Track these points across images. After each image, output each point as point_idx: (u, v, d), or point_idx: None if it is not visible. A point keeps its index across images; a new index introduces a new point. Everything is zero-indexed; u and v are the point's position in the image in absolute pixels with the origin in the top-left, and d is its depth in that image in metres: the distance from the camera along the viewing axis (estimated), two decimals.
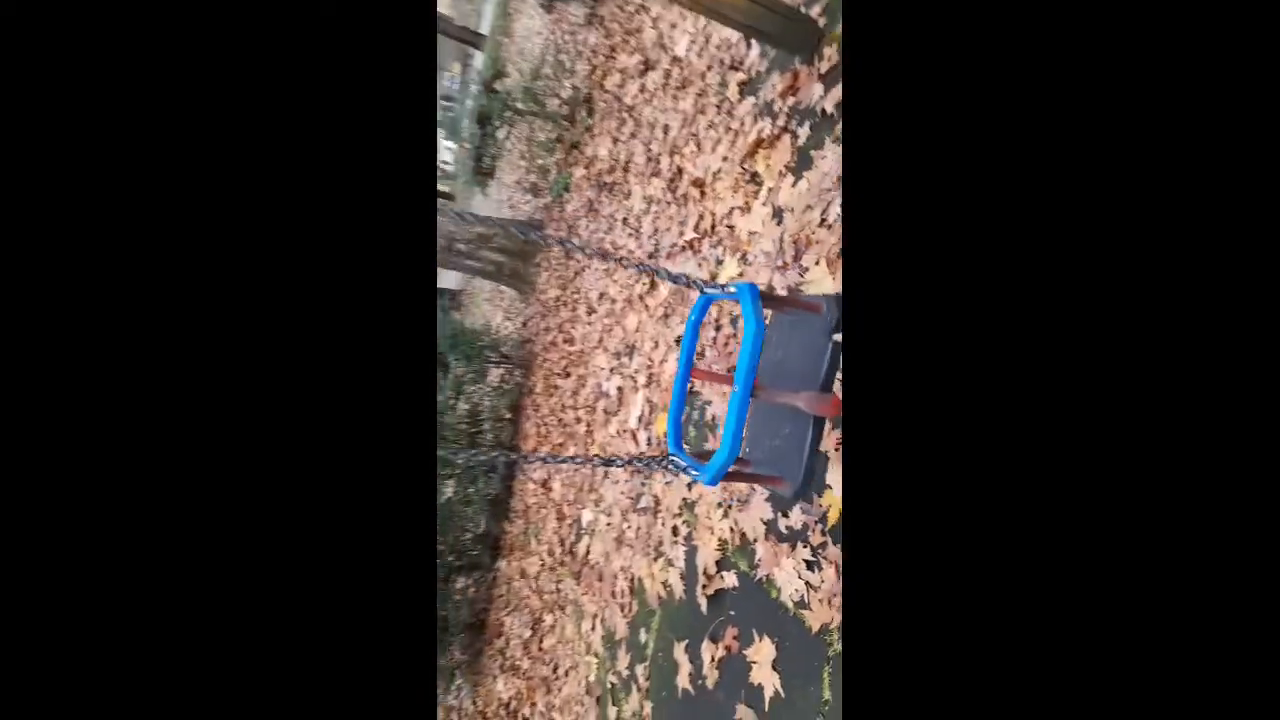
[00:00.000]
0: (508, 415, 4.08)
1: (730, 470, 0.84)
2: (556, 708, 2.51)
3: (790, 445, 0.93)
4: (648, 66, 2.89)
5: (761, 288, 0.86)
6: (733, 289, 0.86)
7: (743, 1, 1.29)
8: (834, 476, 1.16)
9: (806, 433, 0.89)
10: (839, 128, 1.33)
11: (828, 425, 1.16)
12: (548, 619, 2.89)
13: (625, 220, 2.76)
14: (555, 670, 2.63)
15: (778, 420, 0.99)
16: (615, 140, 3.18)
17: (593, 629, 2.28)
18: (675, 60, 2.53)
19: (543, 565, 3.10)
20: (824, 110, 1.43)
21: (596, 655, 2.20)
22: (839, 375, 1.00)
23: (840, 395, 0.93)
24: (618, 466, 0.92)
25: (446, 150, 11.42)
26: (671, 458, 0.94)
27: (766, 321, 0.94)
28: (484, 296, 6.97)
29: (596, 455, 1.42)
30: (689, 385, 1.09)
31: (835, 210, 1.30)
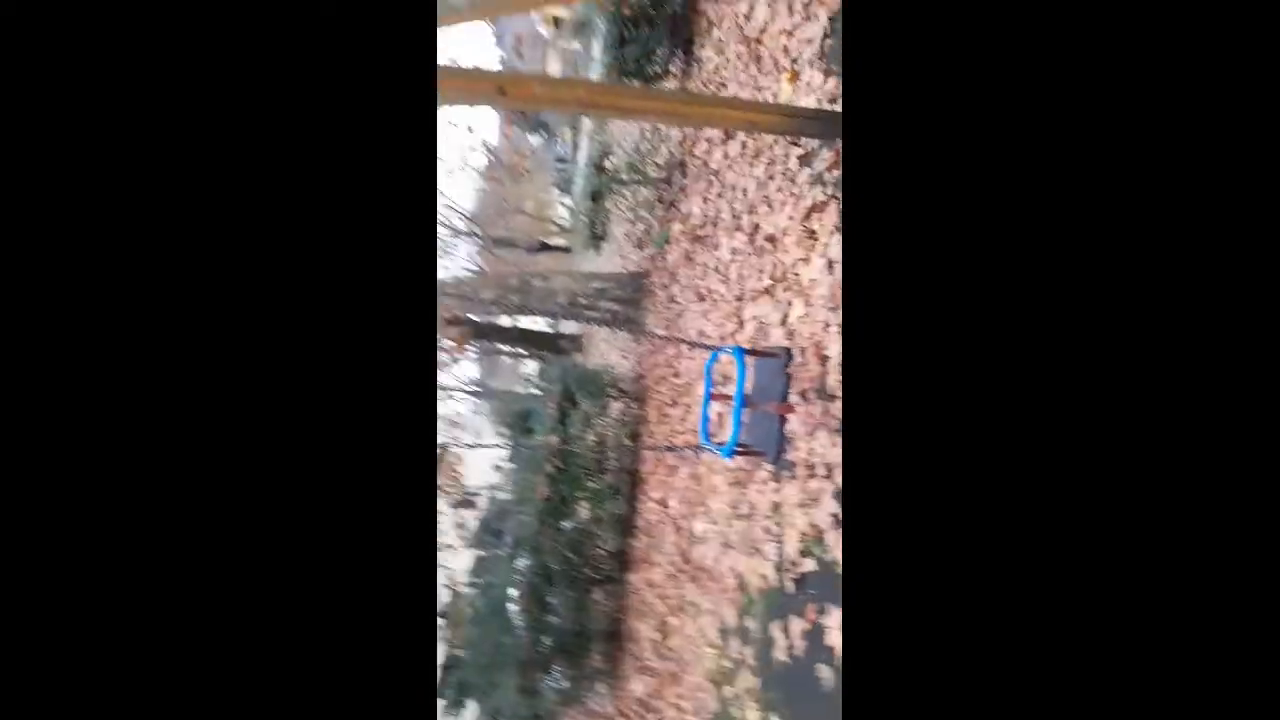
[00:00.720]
0: (628, 442, 4.63)
1: (737, 450, 1.48)
2: (684, 697, 2.86)
3: (769, 434, 1.64)
4: (728, 136, 3.36)
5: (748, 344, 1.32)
6: (729, 350, 1.43)
7: (773, 117, 1.70)
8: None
9: (774, 425, 1.62)
10: None
11: (787, 421, 1.84)
12: (673, 620, 3.27)
13: (715, 268, 3.20)
14: (681, 664, 2.99)
15: (762, 420, 1.71)
16: (705, 199, 3.67)
17: (709, 621, 2.63)
18: (750, 132, 2.96)
19: (666, 573, 3.50)
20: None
21: (713, 645, 2.54)
22: (791, 391, 1.73)
23: (790, 404, 1.66)
24: (672, 450, 1.65)
25: (563, 207, 13.13)
26: (704, 446, 1.69)
27: (752, 365, 1.71)
28: (601, 338, 7.78)
29: (665, 444, 2.39)
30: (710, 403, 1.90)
31: None
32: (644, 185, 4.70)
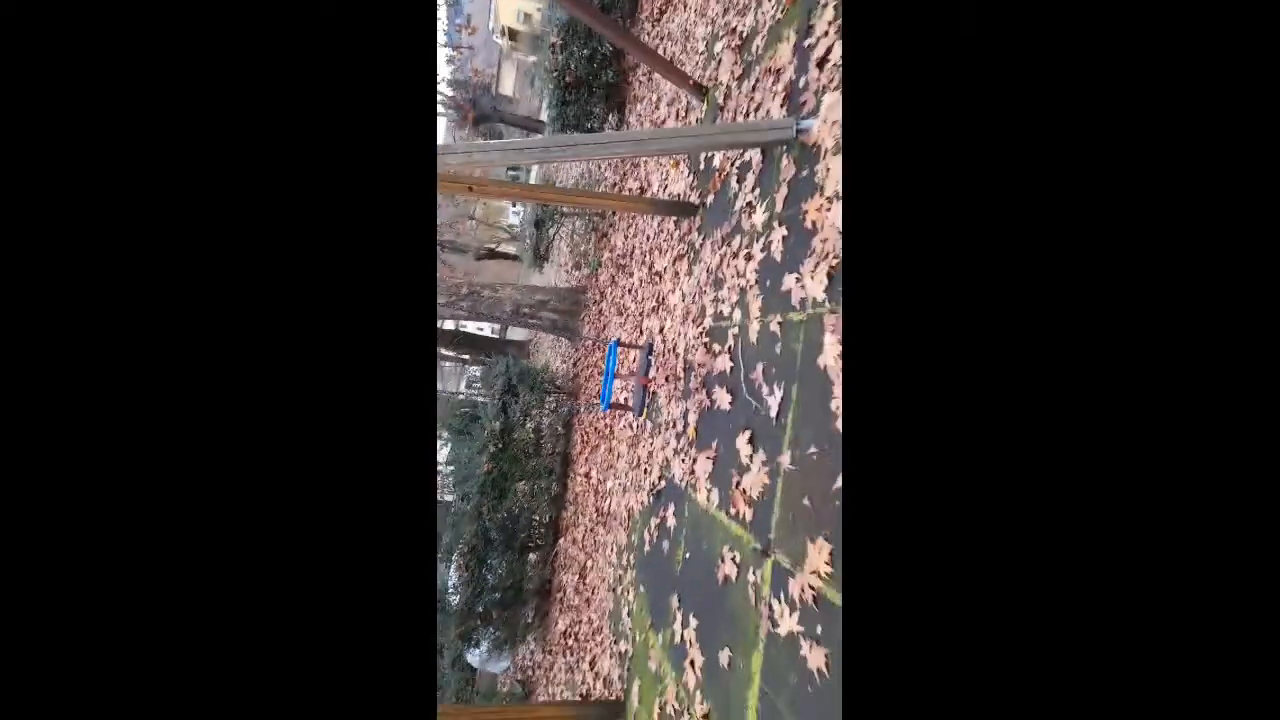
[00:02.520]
0: (561, 430, 5.52)
1: (612, 405, 2.49)
2: (593, 608, 3.79)
3: (637, 396, 2.68)
4: (644, 190, 4.41)
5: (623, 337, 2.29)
6: (610, 340, 2.41)
7: (645, 204, 2.72)
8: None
9: (641, 392, 2.68)
10: (707, 248, 2.69)
11: (648, 388, 2.85)
12: (588, 562, 4.20)
13: (629, 290, 4.21)
14: (593, 593, 3.93)
15: (634, 387, 2.83)
16: (625, 237, 4.69)
17: (610, 550, 3.59)
18: (661, 188, 4.02)
19: (585, 529, 4.43)
20: (697, 245, 2.80)
21: (610, 564, 3.49)
22: (651, 368, 2.71)
23: (649, 377, 2.64)
24: (583, 411, 2.66)
25: (513, 215, 13.91)
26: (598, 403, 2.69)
27: (625, 352, 2.76)
28: (546, 344, 8.65)
29: (576, 402, 3.46)
30: (614, 380, 2.73)
31: (709, 295, 2.65)
32: (580, 218, 5.68)
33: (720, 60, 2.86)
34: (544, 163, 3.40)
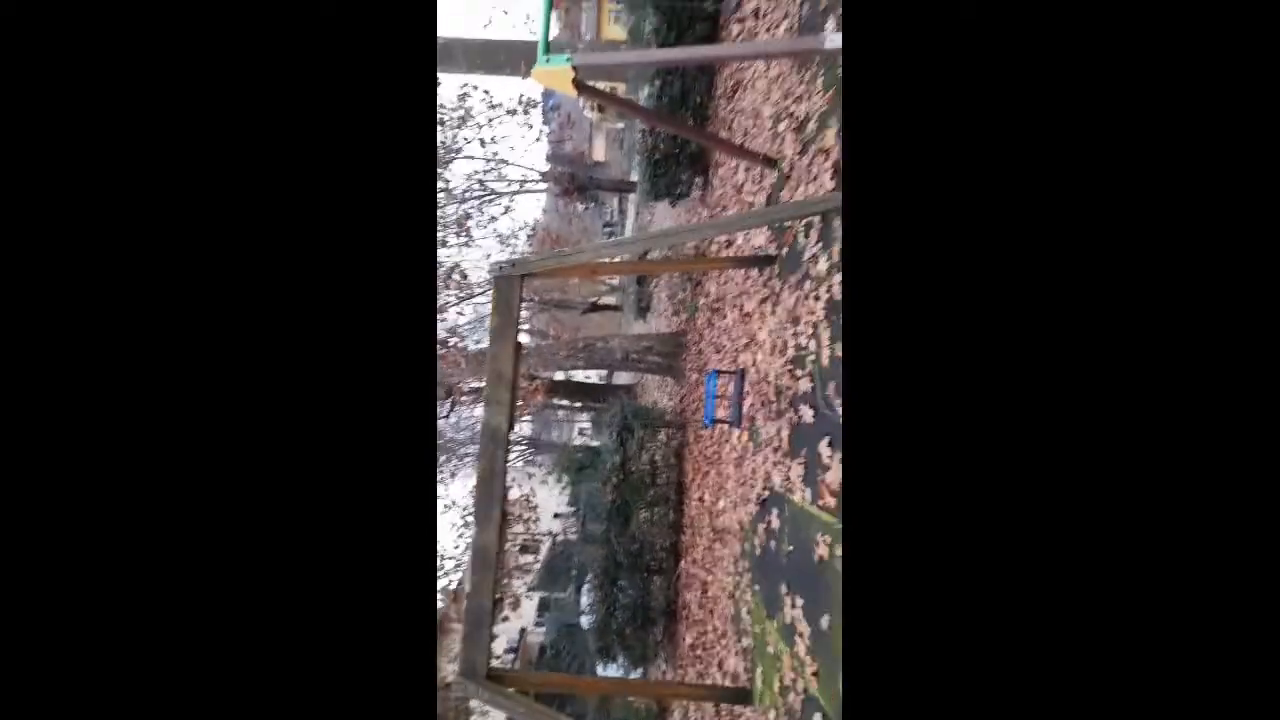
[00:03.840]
0: (673, 460, 6.11)
1: (715, 421, 3.10)
2: (715, 615, 4.22)
3: (733, 412, 3.23)
4: (730, 243, 5.04)
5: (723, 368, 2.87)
6: (710, 372, 2.97)
7: (724, 261, 3.34)
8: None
9: (737, 409, 3.28)
10: (785, 291, 3.21)
11: (744, 406, 3.34)
12: (708, 579, 4.65)
13: (723, 330, 4.79)
14: (715, 604, 4.36)
15: (732, 407, 3.38)
16: (717, 284, 5.33)
17: (727, 561, 4.04)
18: (746, 242, 4.63)
19: (703, 549, 4.91)
20: (777, 289, 3.33)
21: (728, 572, 3.94)
22: (744, 388, 3.23)
23: (741, 396, 3.16)
24: (692, 441, 3.27)
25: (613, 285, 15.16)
26: (706, 424, 3.34)
27: (723, 380, 3.33)
28: (653, 386, 9.42)
29: (681, 418, 4.08)
30: (714, 401, 3.37)
31: (790, 330, 3.16)
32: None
33: (784, 138, 3.46)
34: (647, 249, 4.09)
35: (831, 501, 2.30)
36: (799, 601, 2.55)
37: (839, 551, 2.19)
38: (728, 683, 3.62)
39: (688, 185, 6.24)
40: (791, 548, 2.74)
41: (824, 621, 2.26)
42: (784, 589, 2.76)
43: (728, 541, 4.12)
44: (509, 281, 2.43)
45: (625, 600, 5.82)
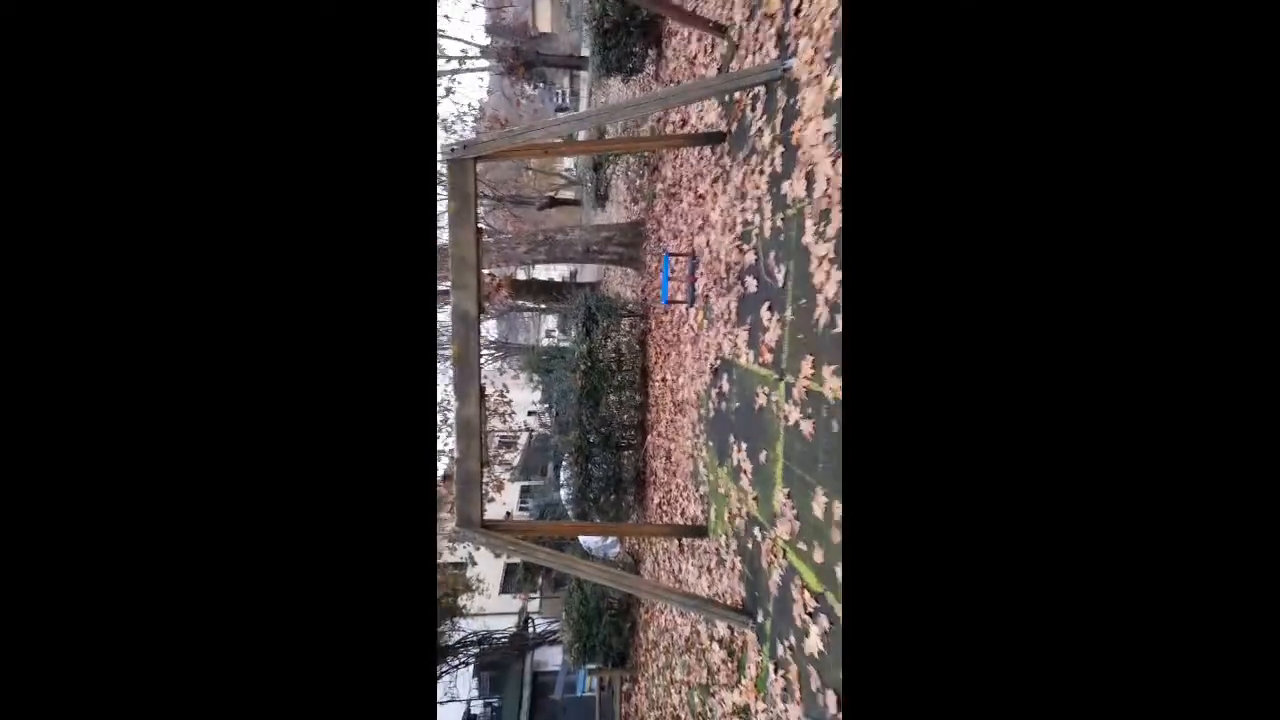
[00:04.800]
0: (637, 347, 6.45)
1: (670, 302, 3.33)
2: (677, 476, 4.78)
3: (686, 291, 3.50)
4: (685, 122, 4.95)
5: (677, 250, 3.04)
6: (664, 254, 3.13)
7: (680, 138, 3.36)
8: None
9: (690, 288, 3.49)
10: (734, 168, 3.31)
11: (697, 285, 3.49)
12: (672, 446, 5.17)
13: (680, 215, 4.88)
14: (678, 467, 4.91)
15: (685, 286, 3.59)
16: (673, 168, 5.29)
17: (687, 429, 4.50)
18: (699, 119, 4.57)
19: (666, 423, 5.39)
20: (728, 166, 3.41)
21: (688, 437, 4.41)
22: (697, 269, 3.41)
23: (693, 276, 3.42)
24: (653, 323, 3.47)
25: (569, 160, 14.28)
26: (662, 303, 3.54)
27: (677, 260, 3.53)
28: (616, 280, 9.52)
29: (641, 302, 4.30)
30: (669, 282, 3.51)
31: (738, 207, 3.30)
32: (633, 155, 6.29)
33: (733, 2, 3.34)
34: (596, 125, 3.94)
35: (769, 358, 2.62)
36: (743, 446, 2.98)
37: (775, 398, 2.55)
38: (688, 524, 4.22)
39: (640, 59, 5.92)
40: (737, 404, 3.12)
41: (762, 456, 2.69)
42: (731, 438, 3.18)
43: (687, 411, 4.56)
44: (462, 165, 2.45)
45: (599, 474, 6.43)
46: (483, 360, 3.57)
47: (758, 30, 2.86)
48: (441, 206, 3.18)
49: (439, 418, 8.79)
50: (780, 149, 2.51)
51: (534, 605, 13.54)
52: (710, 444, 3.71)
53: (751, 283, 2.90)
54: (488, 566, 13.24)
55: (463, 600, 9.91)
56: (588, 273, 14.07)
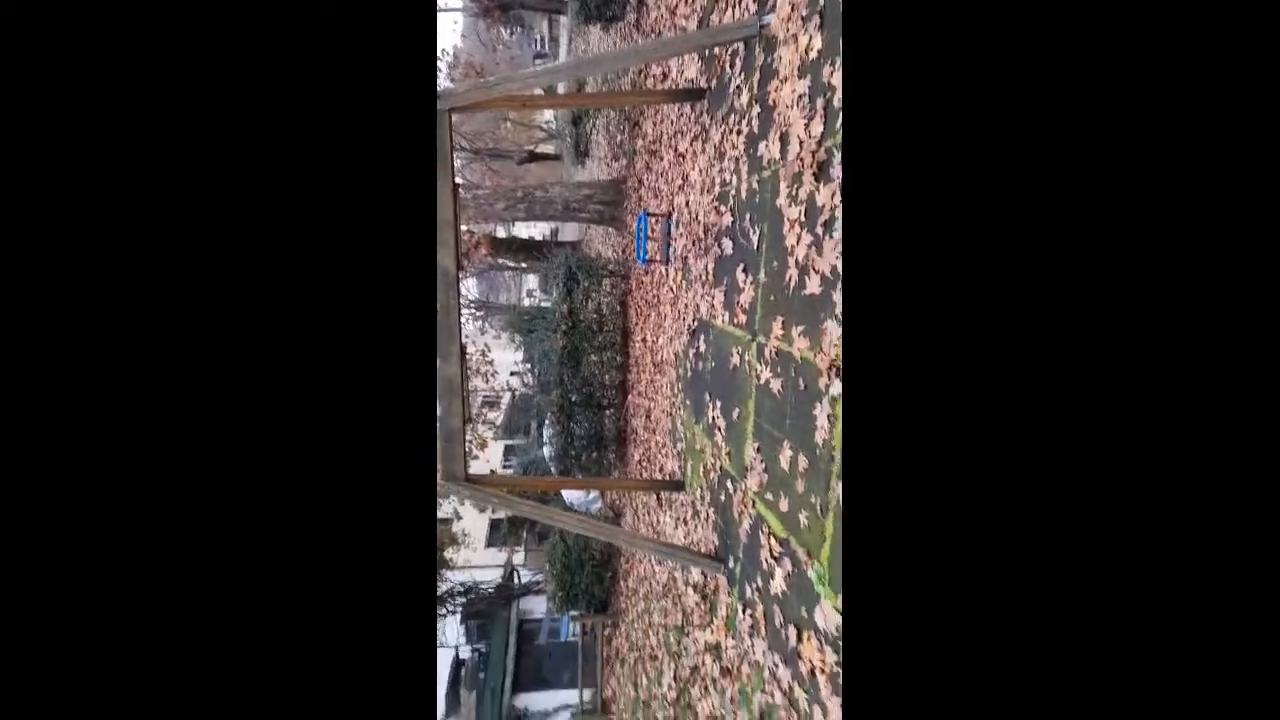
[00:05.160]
0: (618, 307, 6.47)
1: (647, 260, 3.37)
2: (657, 433, 4.92)
3: (664, 251, 3.51)
4: (665, 76, 4.82)
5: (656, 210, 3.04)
6: (641, 213, 3.13)
7: (660, 95, 3.30)
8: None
9: (666, 247, 3.52)
10: (713, 127, 3.28)
11: (672, 244, 3.55)
12: (651, 405, 5.29)
13: (661, 173, 4.83)
14: (657, 424, 5.04)
15: (662, 245, 3.62)
16: (653, 124, 5.19)
17: (666, 388, 4.61)
18: (679, 74, 4.46)
19: (646, 382, 5.49)
20: (707, 125, 3.38)
21: (666, 396, 4.53)
22: (673, 229, 3.44)
23: (670, 236, 3.43)
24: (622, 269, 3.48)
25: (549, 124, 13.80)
26: (640, 261, 3.55)
27: (655, 220, 3.52)
28: (598, 239, 9.41)
29: (617, 261, 4.30)
30: (647, 242, 3.53)
31: (716, 167, 3.29)
32: (614, 110, 6.12)
33: None
34: (576, 76, 3.84)
35: (743, 319, 2.69)
36: (718, 404, 3.09)
37: (748, 358, 2.64)
38: (666, 479, 4.38)
39: (621, 5, 5.68)
40: (713, 364, 3.21)
41: (734, 413, 2.80)
42: (707, 397, 3.29)
43: (666, 371, 4.65)
44: (438, 116, 2.40)
45: (581, 432, 6.56)
46: (463, 319, 3.55)
47: None
48: None
49: None
50: (757, 109, 2.51)
51: (519, 558, 13.96)
52: (688, 403, 3.83)
53: (728, 244, 2.94)
54: (473, 521, 13.55)
55: (449, 553, 10.19)
56: (569, 231, 13.84)
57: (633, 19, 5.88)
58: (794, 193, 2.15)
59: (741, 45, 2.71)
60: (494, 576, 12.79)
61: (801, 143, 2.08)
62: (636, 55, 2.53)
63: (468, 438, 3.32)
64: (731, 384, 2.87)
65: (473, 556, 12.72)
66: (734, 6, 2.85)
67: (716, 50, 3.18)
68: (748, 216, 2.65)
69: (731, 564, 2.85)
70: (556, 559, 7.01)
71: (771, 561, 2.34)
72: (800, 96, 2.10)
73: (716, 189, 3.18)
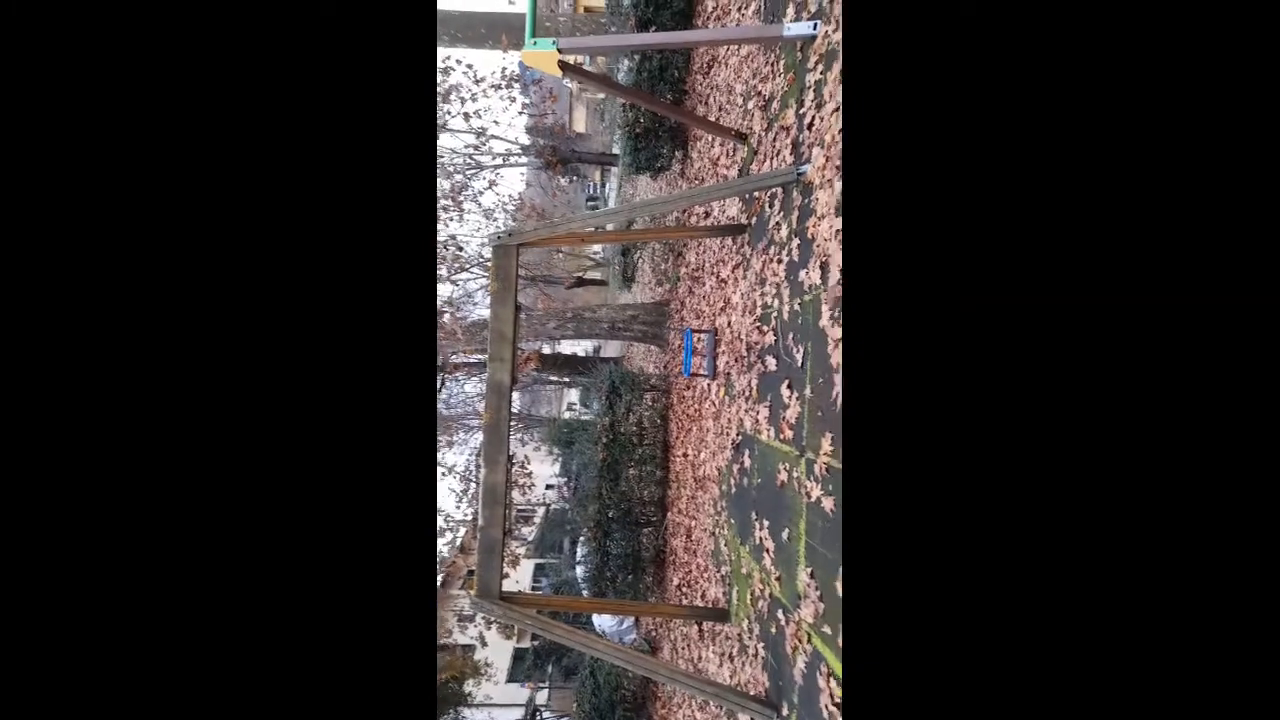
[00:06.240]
0: (659, 421, 6.52)
1: (692, 373, 3.51)
2: (698, 555, 4.68)
3: (708, 364, 3.67)
4: (708, 214, 5.35)
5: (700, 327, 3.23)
6: (686, 330, 3.34)
7: (702, 230, 3.66)
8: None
9: (711, 361, 3.67)
10: (754, 257, 3.55)
11: (716, 361, 3.69)
12: (692, 524, 5.10)
13: (703, 297, 5.14)
14: (698, 545, 4.82)
15: (706, 359, 3.82)
16: (696, 254, 5.65)
17: (708, 505, 4.48)
18: (721, 212, 4.95)
19: (688, 498, 5.35)
20: (748, 255, 3.67)
21: (709, 514, 4.38)
22: (718, 345, 3.57)
23: (714, 351, 3.58)
24: (673, 397, 3.63)
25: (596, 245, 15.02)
26: (685, 375, 3.73)
27: (698, 336, 3.73)
28: (639, 355, 9.79)
29: (662, 373, 4.45)
30: (692, 356, 3.72)
31: (758, 291, 3.51)
32: (659, 242, 6.73)
33: (753, 115, 3.76)
34: (630, 218, 4.38)
35: (790, 434, 2.70)
36: (765, 523, 2.98)
37: (796, 474, 2.60)
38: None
39: (668, 159, 6.49)
40: (759, 480, 3.15)
41: (784, 534, 2.69)
42: (753, 515, 3.18)
43: (708, 488, 4.55)
44: (506, 250, 2.74)
45: (617, 551, 6.29)
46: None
47: (775, 139, 3.21)
48: (484, 283, 3.45)
49: (460, 486, 8.84)
50: (797, 241, 2.74)
51: (542, 697, 12.66)
52: (732, 521, 3.69)
53: (771, 361, 3.03)
54: (496, 651, 12.59)
55: (469, 686, 9.39)
56: (611, 348, 14.46)
57: (678, 169, 6.67)
58: (835, 314, 2.27)
59: (780, 189, 3.04)
60: (515, 717, 11.55)
61: (841, 270, 2.24)
62: (685, 199, 2.87)
63: (507, 529, 3.26)
64: (779, 502, 2.79)
65: (494, 692, 11.64)
66: (771, 158, 3.24)
67: (757, 194, 3.56)
68: (790, 335, 2.77)
69: (786, 711, 2.55)
70: (585, 698, 6.35)
71: (833, 709, 2.09)
72: (837, 231, 2.30)
73: (758, 310, 3.36)
